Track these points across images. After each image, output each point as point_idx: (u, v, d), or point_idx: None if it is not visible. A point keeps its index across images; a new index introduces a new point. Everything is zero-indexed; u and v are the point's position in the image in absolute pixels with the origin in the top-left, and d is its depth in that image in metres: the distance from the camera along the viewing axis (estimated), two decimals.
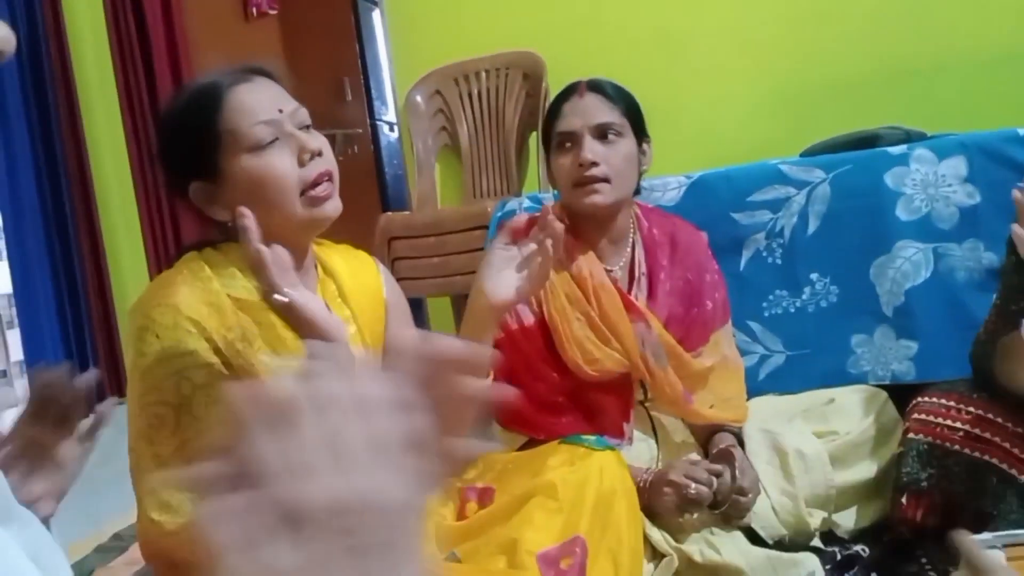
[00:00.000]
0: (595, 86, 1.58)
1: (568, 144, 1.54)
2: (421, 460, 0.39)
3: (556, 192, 1.63)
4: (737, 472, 1.46)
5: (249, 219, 1.10)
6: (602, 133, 1.53)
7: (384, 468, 0.38)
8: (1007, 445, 1.42)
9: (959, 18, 2.73)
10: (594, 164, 1.51)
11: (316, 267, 1.26)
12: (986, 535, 0.91)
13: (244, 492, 0.36)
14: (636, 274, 1.62)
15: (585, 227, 1.60)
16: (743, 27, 2.91)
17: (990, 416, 1.45)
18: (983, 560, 0.72)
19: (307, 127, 1.16)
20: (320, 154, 1.14)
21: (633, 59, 2.90)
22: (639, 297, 1.60)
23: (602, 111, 1.55)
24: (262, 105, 1.13)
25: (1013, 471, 1.41)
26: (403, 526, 0.38)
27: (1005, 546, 0.88)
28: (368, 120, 3.44)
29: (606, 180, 1.52)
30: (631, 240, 1.64)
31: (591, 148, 1.51)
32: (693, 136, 2.85)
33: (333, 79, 3.43)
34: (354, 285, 1.28)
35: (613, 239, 1.61)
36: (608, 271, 1.60)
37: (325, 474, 0.37)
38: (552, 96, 1.68)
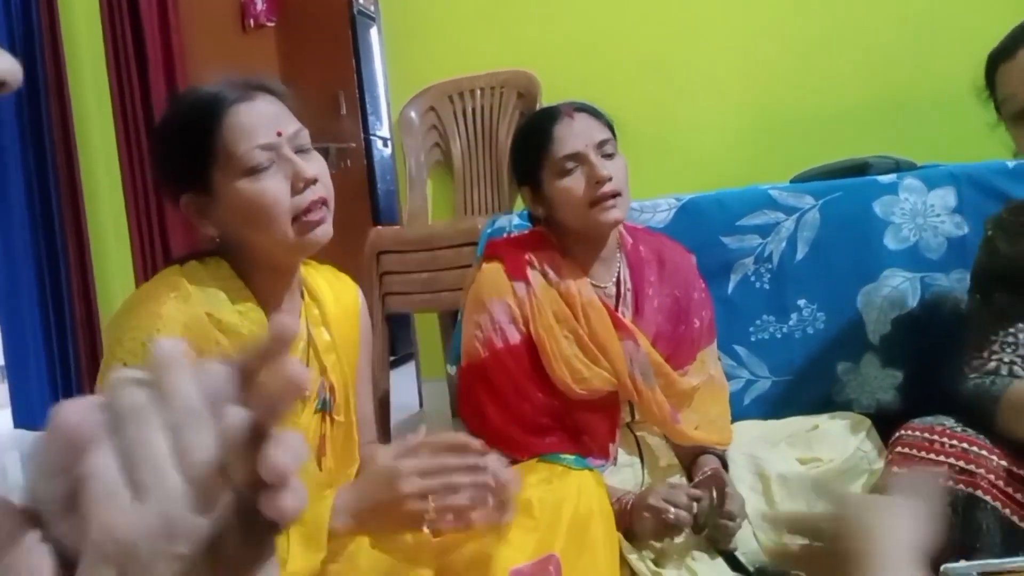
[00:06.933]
0: (580, 107, 1.57)
1: (571, 165, 1.51)
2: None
3: (522, 213, 1.61)
4: (727, 497, 1.44)
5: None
6: (603, 150, 1.53)
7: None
8: (992, 477, 1.41)
9: (951, 50, 2.75)
10: (609, 179, 1.50)
11: (302, 290, 1.24)
12: (962, 563, 0.90)
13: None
14: (622, 291, 1.61)
15: (578, 247, 1.58)
16: (737, 55, 2.92)
17: (975, 449, 1.44)
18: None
19: (305, 150, 1.14)
20: (315, 181, 1.12)
21: (627, 81, 2.91)
22: (625, 314, 1.59)
23: (597, 129, 1.54)
24: (262, 127, 1.10)
25: (997, 504, 1.40)
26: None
27: (980, 575, 0.87)
28: (362, 135, 3.45)
29: (619, 195, 1.51)
30: (618, 257, 1.63)
31: (603, 164, 1.51)
32: (684, 160, 2.86)
33: (328, 93, 3.44)
34: (337, 311, 1.27)
35: (604, 257, 1.60)
36: (601, 288, 1.58)
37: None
38: None
